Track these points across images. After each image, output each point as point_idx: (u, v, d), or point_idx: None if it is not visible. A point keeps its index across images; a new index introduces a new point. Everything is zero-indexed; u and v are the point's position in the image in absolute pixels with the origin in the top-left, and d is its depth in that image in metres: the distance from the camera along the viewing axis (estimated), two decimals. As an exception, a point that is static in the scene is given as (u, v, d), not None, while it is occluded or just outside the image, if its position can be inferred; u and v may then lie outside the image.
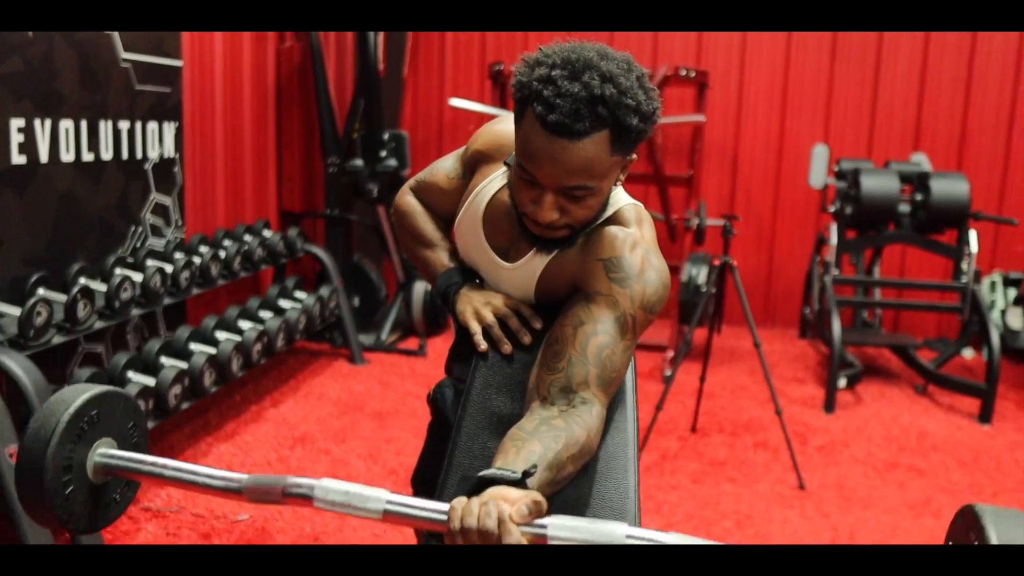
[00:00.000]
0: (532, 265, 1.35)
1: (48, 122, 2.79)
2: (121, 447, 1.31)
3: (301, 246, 4.35)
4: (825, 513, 2.96)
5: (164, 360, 3.04)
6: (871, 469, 3.36)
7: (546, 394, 1.23)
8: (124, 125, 3.18)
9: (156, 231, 3.43)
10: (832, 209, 4.61)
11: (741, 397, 4.13)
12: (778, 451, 3.45)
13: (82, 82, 2.93)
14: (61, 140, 2.85)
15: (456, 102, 4.81)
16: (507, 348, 1.37)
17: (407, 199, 1.61)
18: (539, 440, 1.13)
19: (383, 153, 4.65)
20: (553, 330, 1.29)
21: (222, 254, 3.61)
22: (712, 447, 3.50)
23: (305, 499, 1.13)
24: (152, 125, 3.34)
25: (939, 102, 5.27)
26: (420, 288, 4.78)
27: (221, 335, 3.40)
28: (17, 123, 2.66)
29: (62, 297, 2.71)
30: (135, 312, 2.99)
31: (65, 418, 1.21)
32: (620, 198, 1.35)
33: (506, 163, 1.37)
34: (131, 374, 2.89)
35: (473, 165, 1.46)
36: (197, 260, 3.42)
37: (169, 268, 3.21)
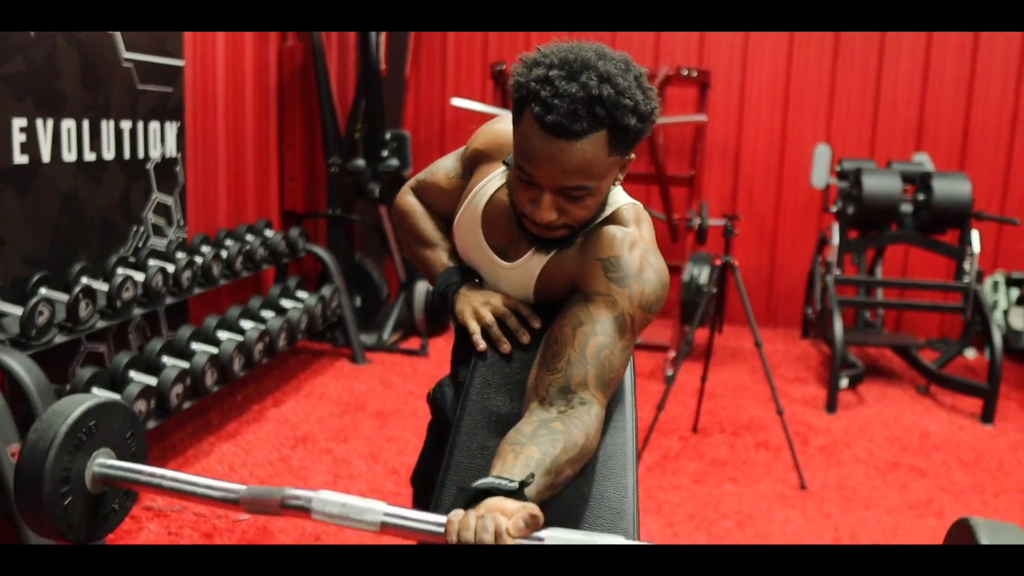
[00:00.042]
0: (531, 265, 1.35)
1: (50, 122, 2.79)
2: (119, 457, 1.32)
3: (303, 246, 4.35)
4: (826, 513, 2.96)
5: (166, 360, 3.04)
6: (873, 469, 3.35)
7: (545, 394, 1.23)
8: (126, 125, 3.18)
9: (158, 231, 3.44)
10: (834, 209, 4.61)
11: (743, 397, 4.13)
12: (779, 451, 3.44)
13: (84, 82, 2.94)
14: (63, 140, 2.85)
15: (458, 102, 4.81)
16: (506, 347, 1.37)
17: (407, 199, 1.61)
18: (537, 445, 1.12)
19: (385, 153, 4.66)
20: (552, 330, 1.29)
21: (224, 254, 3.61)
22: (713, 447, 3.50)
23: (302, 511, 1.14)
24: (154, 125, 3.35)
25: (941, 102, 5.26)
26: (422, 288, 4.78)
27: (223, 335, 3.40)
28: (19, 123, 2.66)
29: (64, 297, 2.72)
30: (137, 312, 3.00)
31: (63, 429, 1.22)
32: (619, 197, 1.35)
33: (505, 162, 1.37)
34: (133, 374, 2.89)
35: (472, 164, 1.46)
36: (199, 260, 3.43)
37: (171, 268, 3.21)
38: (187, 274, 3.25)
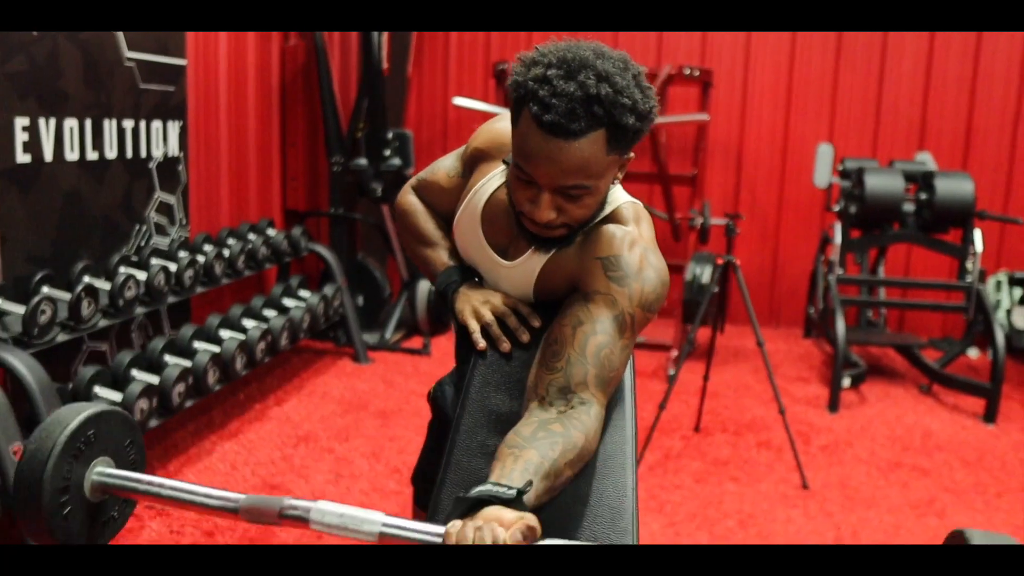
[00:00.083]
0: (531, 263, 1.35)
1: (52, 121, 2.80)
2: (119, 465, 1.33)
3: (305, 245, 4.35)
4: (828, 513, 2.96)
5: (168, 358, 3.05)
6: (875, 469, 3.35)
7: (544, 394, 1.23)
8: (128, 124, 3.19)
9: (160, 230, 3.44)
10: (836, 208, 4.60)
11: (745, 396, 4.13)
12: (781, 450, 3.44)
13: (86, 81, 2.94)
14: (65, 139, 2.86)
15: (460, 101, 4.81)
16: (505, 346, 1.37)
17: (408, 198, 1.62)
18: (536, 448, 1.12)
19: (387, 152, 4.66)
20: (552, 329, 1.29)
21: (226, 253, 3.62)
22: (715, 446, 3.49)
23: (301, 521, 1.14)
24: (156, 124, 3.35)
25: (944, 101, 5.25)
26: (424, 287, 4.78)
27: (225, 334, 3.41)
28: (22, 122, 2.67)
29: (66, 295, 2.72)
30: (139, 310, 3.00)
31: (62, 439, 1.22)
32: (618, 196, 1.35)
33: (505, 161, 1.37)
34: (135, 372, 2.90)
35: (472, 163, 1.46)
36: (201, 259, 3.43)
37: (173, 267, 3.22)
38: (189, 273, 3.26)
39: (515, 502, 1.03)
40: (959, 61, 5.19)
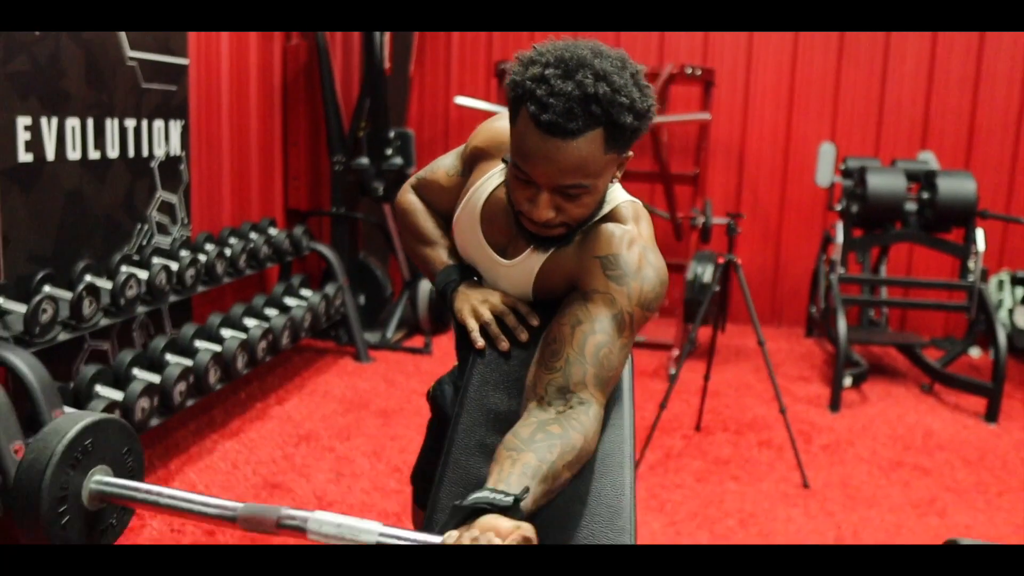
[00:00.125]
0: (529, 262, 1.35)
1: (55, 120, 2.80)
2: (117, 473, 1.33)
3: (307, 244, 4.36)
4: (829, 512, 2.96)
5: (169, 357, 3.05)
6: (876, 468, 3.35)
7: (543, 394, 1.23)
8: (130, 123, 3.19)
9: (162, 229, 3.45)
10: (838, 207, 4.60)
11: (746, 396, 4.13)
12: (782, 450, 3.44)
13: (88, 80, 2.95)
14: (67, 138, 2.87)
15: (462, 100, 4.81)
16: (504, 345, 1.37)
17: (408, 197, 1.61)
18: (534, 451, 1.12)
19: (389, 151, 4.66)
20: (551, 329, 1.29)
21: (228, 252, 3.62)
22: (716, 445, 3.49)
23: (298, 531, 1.15)
24: (158, 123, 3.36)
25: (947, 101, 5.25)
26: (426, 286, 4.78)
27: (226, 333, 3.41)
28: (24, 121, 2.67)
29: (68, 294, 2.73)
30: (140, 310, 3.01)
31: (59, 449, 1.23)
32: (617, 195, 1.35)
33: (504, 160, 1.37)
34: (136, 371, 2.90)
35: (472, 162, 1.46)
36: (203, 258, 3.44)
37: (175, 266, 3.22)
38: (191, 272, 3.26)
39: (512, 510, 1.03)
40: (962, 60, 5.19)
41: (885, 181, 4.26)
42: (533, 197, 1.23)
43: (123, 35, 3.11)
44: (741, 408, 3.94)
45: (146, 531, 2.61)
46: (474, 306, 1.40)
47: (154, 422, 2.81)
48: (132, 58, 3.17)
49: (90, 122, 2.97)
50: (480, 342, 1.38)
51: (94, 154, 3.00)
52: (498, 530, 0.99)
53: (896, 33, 5.23)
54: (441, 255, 1.51)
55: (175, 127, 3.47)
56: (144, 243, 3.34)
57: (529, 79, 1.17)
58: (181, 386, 2.91)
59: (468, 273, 1.47)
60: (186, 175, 3.58)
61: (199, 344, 3.24)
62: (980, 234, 4.20)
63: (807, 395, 4.19)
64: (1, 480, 2.18)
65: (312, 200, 4.97)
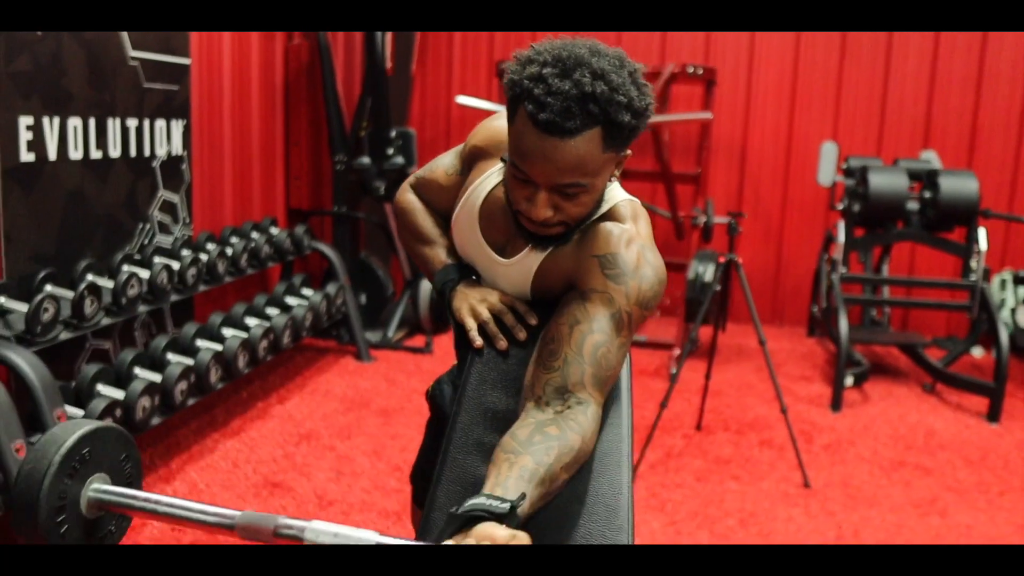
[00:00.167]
0: (528, 261, 1.35)
1: (56, 120, 2.81)
2: (115, 481, 1.33)
3: (308, 243, 4.36)
4: (830, 512, 2.95)
5: (171, 356, 3.06)
6: (877, 468, 3.34)
7: (541, 393, 1.23)
8: (132, 123, 3.20)
9: (164, 228, 3.45)
10: (840, 207, 4.59)
11: (747, 395, 4.12)
12: (783, 449, 3.44)
13: (90, 80, 2.95)
14: (69, 138, 2.87)
15: (463, 100, 4.82)
16: (502, 344, 1.37)
17: (407, 196, 1.62)
18: (531, 454, 1.12)
19: (390, 151, 4.67)
20: (549, 328, 1.29)
21: (229, 251, 3.63)
22: (717, 445, 3.49)
23: (295, 540, 1.15)
24: (160, 123, 3.36)
25: (949, 100, 5.24)
26: (427, 286, 4.79)
27: (228, 332, 3.42)
28: (26, 121, 2.68)
29: (69, 294, 2.73)
30: (142, 309, 3.01)
31: (57, 459, 1.24)
32: (615, 194, 1.35)
33: (502, 159, 1.37)
34: (138, 370, 2.91)
35: (471, 161, 1.46)
36: (204, 257, 3.44)
37: (176, 265, 3.23)
38: (192, 271, 3.27)
39: (508, 517, 1.03)
40: (964, 60, 5.18)
41: (887, 180, 4.26)
42: (531, 196, 1.23)
43: (125, 35, 3.11)
44: (742, 407, 3.94)
45: (147, 530, 2.61)
46: (472, 305, 1.40)
47: (155, 421, 2.82)
48: (134, 58, 3.17)
49: (92, 122, 2.97)
50: (478, 341, 1.38)
51: (96, 154, 3.01)
52: (494, 539, 1.00)
53: (898, 32, 5.22)
54: (440, 254, 1.51)
55: (177, 127, 3.48)
56: (146, 242, 3.34)
57: (527, 78, 1.17)
58: (182, 385, 2.91)
59: (467, 272, 1.47)
60: (188, 175, 3.58)
61: (200, 343, 3.24)
62: (982, 233, 4.19)
63: (808, 394, 4.18)
64: (2, 478, 2.18)
65: (314, 199, 4.98)
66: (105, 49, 3.02)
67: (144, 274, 3.05)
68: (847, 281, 4.37)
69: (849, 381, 4.14)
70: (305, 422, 3.54)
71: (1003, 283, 4.98)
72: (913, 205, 4.38)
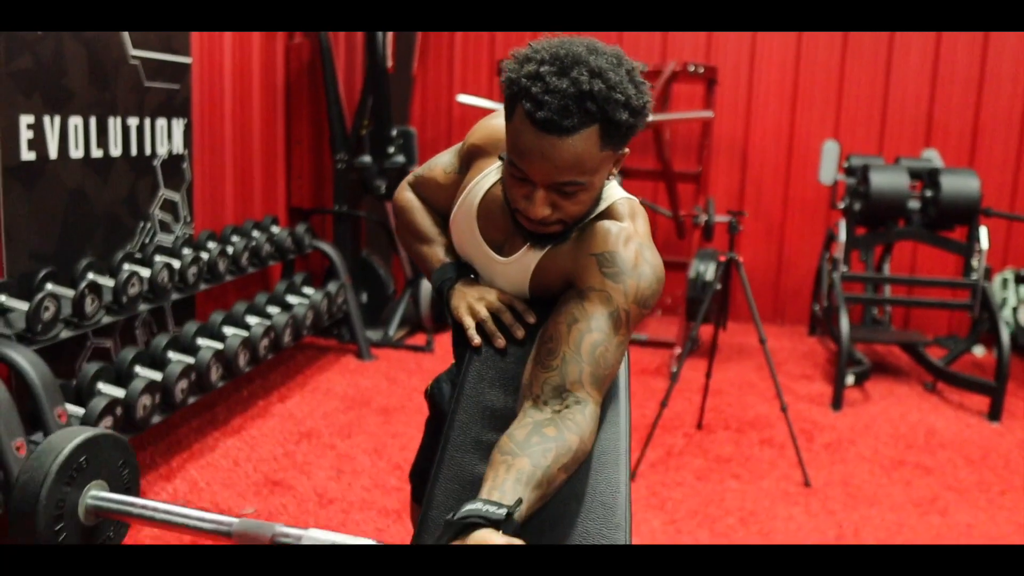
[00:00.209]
0: (526, 260, 1.35)
1: (57, 119, 2.81)
2: (113, 487, 1.34)
3: (309, 242, 4.37)
4: (830, 511, 2.95)
5: (171, 355, 3.06)
6: (878, 467, 3.34)
7: (539, 392, 1.23)
8: (133, 122, 3.20)
9: (165, 227, 3.46)
10: (842, 205, 4.59)
11: (748, 394, 4.12)
12: (784, 448, 3.44)
13: (91, 79, 2.96)
14: (70, 136, 2.87)
15: (464, 98, 4.82)
16: (500, 343, 1.37)
17: (406, 195, 1.62)
18: (529, 456, 1.13)
19: (391, 149, 4.67)
20: (547, 327, 1.29)
21: (230, 250, 3.63)
22: (718, 444, 3.49)
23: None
24: (161, 122, 3.37)
25: (951, 99, 5.23)
26: (428, 284, 4.78)
27: (228, 330, 3.42)
28: (27, 119, 2.68)
29: (70, 292, 2.74)
30: (143, 307, 3.01)
31: (54, 468, 1.24)
32: (613, 192, 1.35)
33: (501, 157, 1.37)
34: (138, 369, 2.91)
35: (469, 159, 1.46)
36: (205, 256, 3.45)
37: (177, 264, 3.23)
38: (193, 270, 3.27)
39: (505, 523, 1.03)
40: (966, 59, 5.17)
41: (888, 179, 4.26)
42: (529, 194, 1.23)
43: (126, 34, 3.12)
44: (743, 406, 3.94)
45: (146, 529, 2.61)
46: (470, 303, 1.40)
47: (156, 419, 2.82)
48: (135, 57, 3.17)
49: (93, 120, 2.98)
50: (476, 339, 1.38)
51: (97, 152, 3.01)
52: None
53: (900, 31, 5.22)
54: (438, 253, 1.51)
55: (178, 125, 3.48)
56: (147, 241, 3.35)
57: (524, 76, 1.17)
58: (183, 383, 2.92)
59: (465, 271, 1.47)
60: (189, 173, 3.58)
61: (201, 342, 3.25)
62: (984, 232, 4.18)
63: (809, 393, 4.18)
64: (2, 476, 2.19)
65: (315, 198, 4.98)
66: (106, 48, 3.02)
67: (145, 273, 3.05)
68: (848, 280, 4.37)
69: (850, 380, 4.14)
70: (306, 420, 3.54)
71: (1004, 282, 4.98)
72: (914, 204, 4.37)
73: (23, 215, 2.70)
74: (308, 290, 4.18)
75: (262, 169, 4.53)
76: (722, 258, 3.40)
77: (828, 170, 4.67)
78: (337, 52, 4.71)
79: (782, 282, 5.60)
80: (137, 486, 1.42)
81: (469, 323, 1.38)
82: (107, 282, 2.96)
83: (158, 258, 3.23)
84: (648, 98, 1.20)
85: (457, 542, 1.02)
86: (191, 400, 3.02)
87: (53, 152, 2.80)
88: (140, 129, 3.24)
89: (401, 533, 2.66)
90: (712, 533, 2.77)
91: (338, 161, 4.72)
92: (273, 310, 3.79)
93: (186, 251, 3.40)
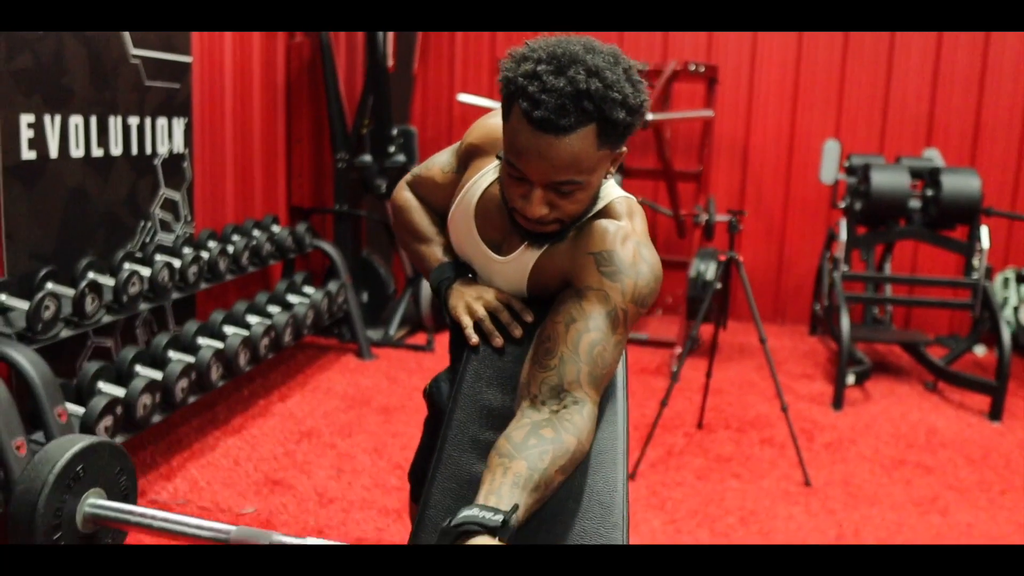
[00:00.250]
0: (524, 259, 1.35)
1: (58, 118, 2.81)
2: (110, 495, 1.34)
3: (310, 241, 4.37)
4: (831, 510, 2.95)
5: (172, 354, 3.06)
6: (878, 466, 3.34)
7: (537, 392, 1.23)
8: (134, 121, 3.20)
9: (165, 226, 3.46)
10: (842, 205, 4.59)
11: (748, 393, 4.12)
12: (784, 447, 3.44)
13: (92, 78, 2.96)
14: (71, 136, 2.88)
15: (464, 97, 4.82)
16: (498, 342, 1.37)
17: (404, 194, 1.62)
18: (526, 459, 1.13)
19: (392, 149, 4.67)
20: (545, 326, 1.29)
21: (231, 249, 3.63)
22: (718, 443, 3.49)
23: None
24: (161, 121, 3.37)
25: (952, 98, 5.22)
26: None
27: (229, 329, 3.42)
28: (27, 119, 2.69)
29: (70, 291, 2.74)
30: (143, 307, 3.02)
31: (51, 479, 1.25)
32: (611, 191, 1.35)
33: (498, 156, 1.37)
34: (139, 368, 2.92)
35: (467, 159, 1.46)
36: (205, 255, 3.45)
37: (177, 263, 3.23)
38: (193, 269, 3.27)
39: (501, 530, 1.03)
40: (967, 58, 5.16)
41: (889, 178, 4.25)
42: (526, 194, 1.23)
43: (126, 33, 3.12)
44: (743, 406, 3.94)
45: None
46: (468, 303, 1.40)
47: (156, 419, 2.82)
48: (135, 56, 3.18)
49: (93, 120, 2.98)
50: (474, 338, 1.38)
51: (97, 151, 3.01)
52: None
53: (901, 32, 5.21)
54: (436, 252, 1.52)
55: (178, 124, 3.48)
56: (147, 240, 3.35)
57: (521, 75, 1.17)
58: (183, 383, 2.92)
59: (463, 270, 1.47)
60: (189, 172, 3.59)
61: (202, 341, 3.25)
62: (985, 231, 4.18)
63: (810, 393, 4.18)
64: (3, 475, 2.19)
65: (315, 197, 4.98)
66: (106, 47, 3.02)
67: (145, 272, 3.05)
68: (849, 279, 4.36)
69: (851, 379, 4.14)
70: (306, 420, 3.54)
71: (1005, 281, 4.97)
72: (915, 203, 4.37)
73: (23, 214, 2.70)
74: (309, 289, 4.18)
75: (263, 168, 4.53)
76: (722, 257, 3.40)
77: (829, 169, 4.67)
78: (338, 51, 4.72)
79: (783, 281, 5.59)
80: (135, 493, 1.42)
81: (467, 322, 1.38)
82: (107, 281, 2.96)
83: (159, 257, 3.23)
84: (645, 97, 1.20)
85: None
86: (191, 399, 3.02)
87: (53, 151, 2.80)
88: (141, 128, 3.24)
89: (401, 532, 2.67)
90: (712, 532, 2.77)
91: (339, 160, 4.72)
92: (273, 309, 3.79)
93: (187, 250, 3.40)
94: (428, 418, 1.65)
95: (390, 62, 4.60)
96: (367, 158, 4.65)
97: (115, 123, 3.10)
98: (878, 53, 5.27)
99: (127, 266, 3.08)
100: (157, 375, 2.88)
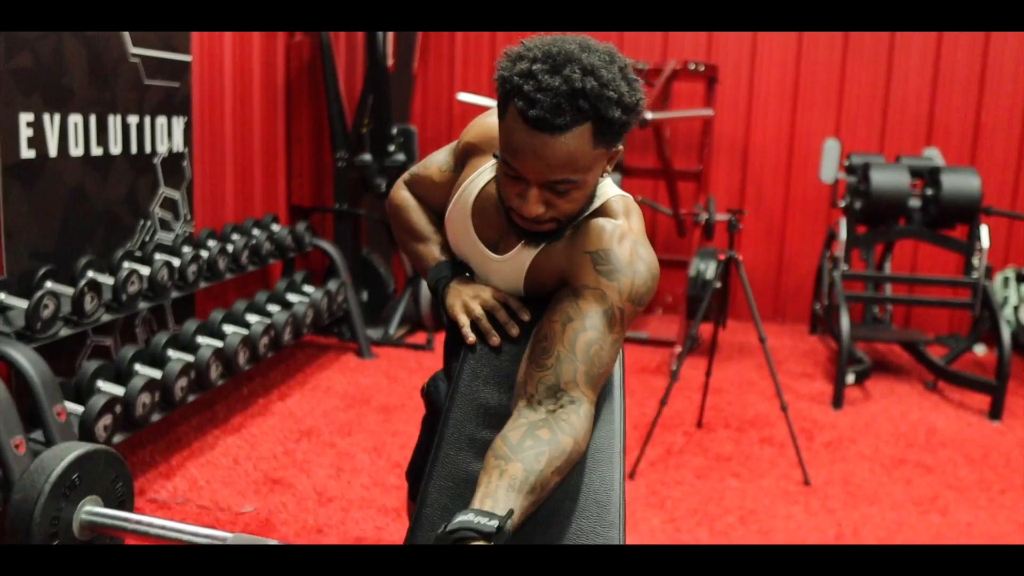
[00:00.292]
0: (521, 258, 1.35)
1: (57, 117, 2.81)
2: (107, 502, 1.35)
3: (309, 240, 4.37)
4: (830, 509, 2.95)
5: (171, 353, 3.06)
6: (878, 465, 3.34)
7: (534, 392, 1.23)
8: (133, 120, 3.20)
9: (165, 225, 3.46)
10: (842, 204, 4.59)
11: (748, 392, 4.12)
12: (784, 447, 3.43)
13: (91, 77, 2.96)
14: (70, 134, 2.88)
15: (464, 96, 4.82)
16: (495, 340, 1.37)
17: (401, 193, 1.62)
18: (522, 460, 1.13)
19: (392, 148, 4.67)
20: (542, 325, 1.29)
21: (230, 248, 3.64)
22: (718, 442, 3.49)
23: None
24: (161, 120, 3.37)
25: (952, 97, 5.22)
26: (429, 283, 4.78)
27: (228, 329, 3.42)
28: (26, 117, 2.69)
29: (70, 290, 2.74)
30: (142, 305, 3.02)
31: (47, 488, 1.25)
32: (608, 190, 1.35)
33: (495, 155, 1.37)
34: (138, 367, 2.92)
35: (464, 157, 1.46)
36: (205, 254, 3.45)
37: (177, 262, 3.23)
38: (193, 268, 3.27)
39: (496, 535, 1.03)
40: (967, 58, 5.16)
41: (889, 177, 4.25)
42: (523, 193, 1.23)
43: (126, 32, 3.12)
44: (743, 405, 3.94)
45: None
46: (465, 301, 1.40)
47: (155, 417, 2.82)
48: (135, 55, 3.18)
49: (93, 119, 2.98)
50: (471, 337, 1.38)
51: (97, 150, 3.01)
52: None
53: (901, 31, 5.21)
54: (433, 251, 1.52)
55: (178, 123, 3.48)
56: (147, 239, 3.35)
57: (517, 74, 1.17)
58: (182, 382, 2.92)
59: (460, 269, 1.47)
60: (189, 171, 3.59)
61: (201, 340, 3.25)
62: (984, 231, 4.18)
63: (810, 392, 4.18)
64: (2, 474, 2.19)
65: (315, 196, 4.98)
66: (106, 46, 3.02)
67: (145, 271, 3.06)
68: (849, 278, 4.36)
69: (850, 379, 4.14)
70: (306, 419, 3.55)
71: (1005, 280, 4.97)
72: (915, 202, 4.37)
73: (23, 213, 2.70)
74: (308, 288, 4.18)
75: (262, 167, 4.53)
76: (722, 256, 3.40)
77: (829, 168, 4.66)
78: (337, 50, 4.71)
79: (782, 280, 5.59)
80: (131, 500, 1.42)
81: (464, 321, 1.38)
82: (107, 280, 2.96)
83: (158, 256, 3.23)
84: (641, 95, 1.20)
85: None
86: (191, 398, 3.02)
87: (53, 150, 2.80)
88: (140, 127, 3.24)
89: (401, 531, 2.67)
90: (712, 532, 2.77)
91: (338, 159, 4.72)
92: (273, 308, 3.79)
93: (186, 249, 3.40)
94: (426, 417, 1.65)
95: (390, 62, 4.60)
96: (367, 157, 4.65)
97: (114, 122, 3.10)
98: (878, 53, 5.27)
99: (126, 265, 3.08)
100: (156, 374, 2.88)
